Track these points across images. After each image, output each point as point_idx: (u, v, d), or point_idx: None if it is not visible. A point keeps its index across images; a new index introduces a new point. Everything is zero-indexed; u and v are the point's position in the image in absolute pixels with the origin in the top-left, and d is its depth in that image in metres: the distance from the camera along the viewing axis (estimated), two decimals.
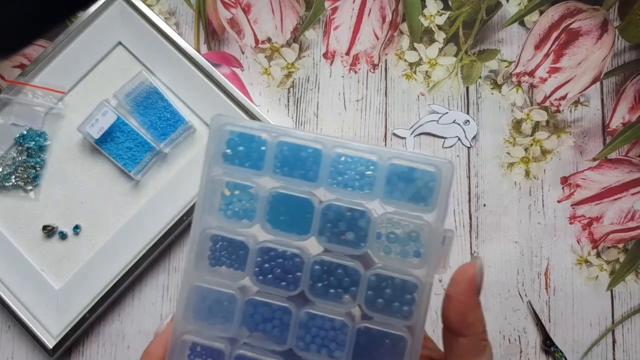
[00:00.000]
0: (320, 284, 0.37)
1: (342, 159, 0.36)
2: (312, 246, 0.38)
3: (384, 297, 0.36)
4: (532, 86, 0.54)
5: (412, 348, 0.34)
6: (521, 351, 0.51)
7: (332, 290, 0.36)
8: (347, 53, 0.55)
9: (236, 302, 0.37)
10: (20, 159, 0.53)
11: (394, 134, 0.54)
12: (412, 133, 0.53)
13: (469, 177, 0.53)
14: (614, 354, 0.51)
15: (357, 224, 0.37)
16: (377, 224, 0.36)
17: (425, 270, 0.36)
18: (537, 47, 0.54)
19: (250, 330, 0.37)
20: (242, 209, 0.37)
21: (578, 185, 0.53)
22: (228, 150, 0.37)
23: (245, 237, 0.37)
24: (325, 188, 0.37)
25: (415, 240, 0.36)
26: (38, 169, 0.53)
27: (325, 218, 0.37)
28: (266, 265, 0.37)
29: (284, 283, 0.36)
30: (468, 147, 0.53)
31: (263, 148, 0.37)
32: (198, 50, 0.54)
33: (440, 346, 0.34)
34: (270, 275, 0.37)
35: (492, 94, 0.54)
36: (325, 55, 0.55)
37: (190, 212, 0.51)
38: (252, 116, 0.52)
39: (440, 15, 0.54)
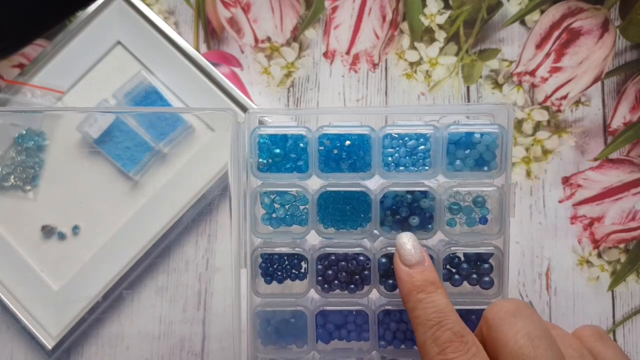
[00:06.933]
0: (391, 281, 0.34)
1: (391, 138, 0.33)
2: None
3: (460, 273, 0.34)
4: (533, 86, 0.54)
5: None
6: None
7: None
8: (347, 52, 0.54)
9: (305, 317, 0.34)
10: (19, 159, 0.52)
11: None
12: None
13: None
14: None
15: (419, 206, 0.34)
16: (442, 200, 0.33)
17: (500, 235, 0.33)
18: (538, 46, 0.54)
19: (325, 342, 0.34)
20: (290, 215, 0.34)
21: (579, 185, 0.53)
22: (261, 159, 0.33)
23: (298, 247, 0.34)
24: (380, 174, 0.34)
25: (481, 207, 0.34)
26: (37, 169, 0.53)
27: (384, 207, 0.34)
28: (329, 272, 0.34)
29: (352, 286, 0.34)
30: None
31: (302, 145, 0.33)
32: (197, 50, 0.54)
33: None
34: (336, 282, 0.34)
35: (493, 93, 0.54)
36: (325, 54, 0.54)
37: (190, 211, 0.51)
38: None
39: (441, 14, 0.54)
